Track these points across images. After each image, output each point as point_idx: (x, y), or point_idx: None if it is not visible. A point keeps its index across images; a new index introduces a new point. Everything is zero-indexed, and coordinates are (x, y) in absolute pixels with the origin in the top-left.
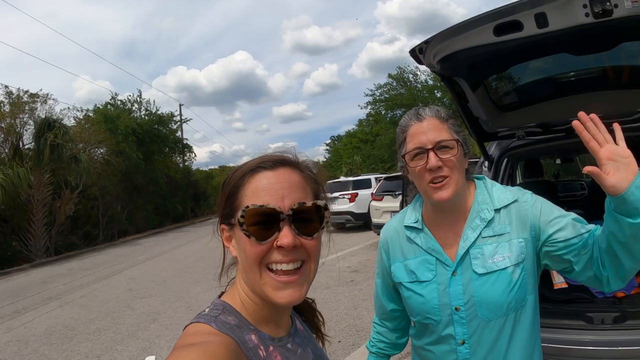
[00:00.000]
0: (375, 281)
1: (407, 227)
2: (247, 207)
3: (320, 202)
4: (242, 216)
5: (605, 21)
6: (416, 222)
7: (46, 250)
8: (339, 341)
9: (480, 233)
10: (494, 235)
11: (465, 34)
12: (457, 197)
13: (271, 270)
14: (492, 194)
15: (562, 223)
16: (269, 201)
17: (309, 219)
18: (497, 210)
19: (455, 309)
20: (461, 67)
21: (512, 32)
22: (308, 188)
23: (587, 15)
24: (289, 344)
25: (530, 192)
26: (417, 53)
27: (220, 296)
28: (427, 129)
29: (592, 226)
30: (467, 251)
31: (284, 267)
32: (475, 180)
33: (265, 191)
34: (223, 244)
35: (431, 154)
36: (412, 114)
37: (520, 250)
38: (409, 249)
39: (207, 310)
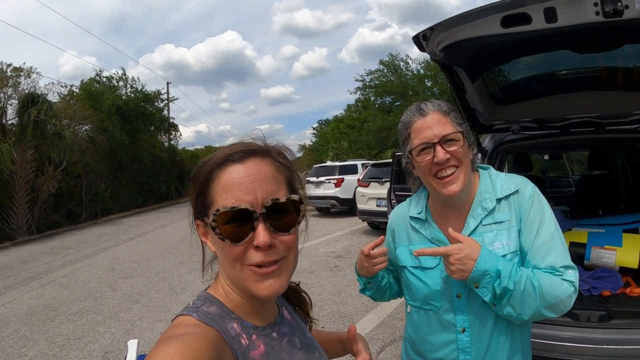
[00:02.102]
0: None
1: (412, 218)
2: (218, 210)
3: (295, 197)
4: (213, 220)
5: (614, 21)
6: (420, 213)
7: (28, 228)
8: (322, 327)
9: (481, 221)
10: (494, 223)
11: (472, 23)
12: (465, 189)
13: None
14: (495, 184)
15: (533, 233)
16: (241, 197)
17: (284, 212)
18: (499, 200)
19: (457, 296)
20: (463, 57)
21: (520, 24)
22: (280, 177)
23: (597, 13)
24: (274, 332)
25: (533, 185)
26: (421, 39)
27: (206, 290)
28: (431, 123)
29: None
30: None
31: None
32: (480, 170)
33: (236, 186)
34: (201, 239)
35: (438, 148)
36: (414, 109)
37: (517, 238)
38: (414, 236)
39: (191, 302)
